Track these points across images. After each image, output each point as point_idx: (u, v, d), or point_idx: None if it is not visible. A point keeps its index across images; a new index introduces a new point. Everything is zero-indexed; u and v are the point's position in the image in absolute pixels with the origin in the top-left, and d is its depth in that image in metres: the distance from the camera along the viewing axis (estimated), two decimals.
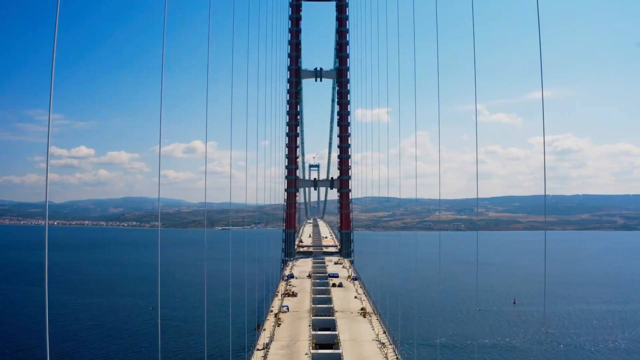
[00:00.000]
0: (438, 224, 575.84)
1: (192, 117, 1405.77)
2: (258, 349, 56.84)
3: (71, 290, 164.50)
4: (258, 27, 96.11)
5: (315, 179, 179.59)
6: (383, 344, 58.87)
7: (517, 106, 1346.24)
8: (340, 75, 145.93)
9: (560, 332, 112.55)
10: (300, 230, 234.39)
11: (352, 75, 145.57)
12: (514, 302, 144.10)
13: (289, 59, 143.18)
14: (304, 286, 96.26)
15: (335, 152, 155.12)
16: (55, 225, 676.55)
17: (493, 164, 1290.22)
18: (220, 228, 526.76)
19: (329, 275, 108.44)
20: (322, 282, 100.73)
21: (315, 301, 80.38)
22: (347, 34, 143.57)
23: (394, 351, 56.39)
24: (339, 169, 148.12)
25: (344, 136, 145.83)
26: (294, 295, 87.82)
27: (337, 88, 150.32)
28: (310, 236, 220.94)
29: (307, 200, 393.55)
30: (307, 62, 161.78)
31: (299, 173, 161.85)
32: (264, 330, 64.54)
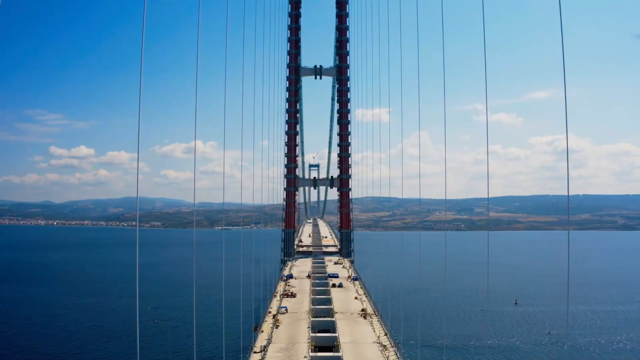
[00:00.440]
0: (438, 223, 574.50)
1: (192, 117, 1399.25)
2: (255, 352, 55.16)
3: (70, 291, 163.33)
4: (255, 24, 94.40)
5: (315, 177, 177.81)
6: (384, 346, 57.15)
7: (518, 106, 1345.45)
8: (340, 73, 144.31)
9: (560, 332, 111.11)
10: (300, 230, 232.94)
11: (352, 73, 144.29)
12: (516, 303, 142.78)
13: (288, 57, 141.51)
14: (303, 287, 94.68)
15: (335, 152, 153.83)
16: (55, 225, 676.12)
17: (493, 164, 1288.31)
18: (220, 228, 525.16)
19: (328, 275, 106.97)
20: (321, 282, 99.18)
21: (314, 302, 78.69)
22: (347, 31, 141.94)
23: (396, 354, 54.68)
24: (339, 167, 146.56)
25: (344, 134, 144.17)
26: (292, 295, 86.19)
27: (337, 86, 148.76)
28: (309, 236, 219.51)
29: (306, 200, 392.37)
30: (307, 60, 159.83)
31: (298, 172, 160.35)
32: (262, 332, 62.82)
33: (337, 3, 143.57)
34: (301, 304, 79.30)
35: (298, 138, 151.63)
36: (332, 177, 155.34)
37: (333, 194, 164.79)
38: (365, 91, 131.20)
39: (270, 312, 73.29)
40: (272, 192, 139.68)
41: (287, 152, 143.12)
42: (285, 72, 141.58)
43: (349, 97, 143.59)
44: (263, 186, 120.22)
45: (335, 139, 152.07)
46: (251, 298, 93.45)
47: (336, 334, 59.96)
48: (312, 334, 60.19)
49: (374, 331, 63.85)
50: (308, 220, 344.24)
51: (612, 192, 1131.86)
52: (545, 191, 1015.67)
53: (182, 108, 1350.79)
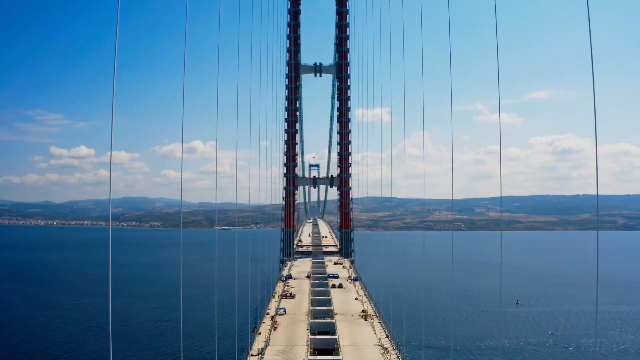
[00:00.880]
0: (438, 223, 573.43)
1: (192, 117, 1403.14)
2: (252, 355, 53.56)
3: (70, 291, 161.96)
4: (252, 21, 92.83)
5: (314, 176, 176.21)
6: (386, 349, 55.52)
7: (518, 106, 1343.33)
8: (340, 70, 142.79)
9: (564, 333, 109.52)
10: (300, 230, 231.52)
11: (352, 72, 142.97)
12: (517, 303, 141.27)
13: (287, 54, 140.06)
14: (302, 287, 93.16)
15: (335, 152, 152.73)
16: (55, 225, 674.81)
17: (493, 164, 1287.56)
18: (220, 228, 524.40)
19: (328, 275, 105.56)
20: (321, 282, 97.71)
21: (314, 303, 77.17)
22: (347, 28, 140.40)
23: (398, 357, 53.12)
24: (339, 166, 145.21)
25: (344, 133, 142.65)
26: (291, 296, 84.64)
27: (337, 84, 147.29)
28: (309, 235, 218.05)
29: (306, 200, 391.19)
30: (307, 58, 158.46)
31: (298, 172, 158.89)
32: (259, 334, 61.17)
33: (337, 0, 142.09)
34: (300, 305, 77.78)
35: (298, 137, 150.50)
36: (332, 175, 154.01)
37: (333, 194, 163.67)
38: (366, 90, 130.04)
39: (268, 314, 71.75)
40: (272, 192, 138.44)
41: (286, 150, 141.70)
42: (284, 69, 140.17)
43: (349, 94, 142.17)
44: (263, 186, 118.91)
45: (335, 138, 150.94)
46: (252, 299, 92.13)
47: (336, 337, 58.38)
48: (311, 337, 58.64)
49: (375, 333, 62.27)
50: (308, 220, 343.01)
51: (612, 192, 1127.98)
52: (545, 191, 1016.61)
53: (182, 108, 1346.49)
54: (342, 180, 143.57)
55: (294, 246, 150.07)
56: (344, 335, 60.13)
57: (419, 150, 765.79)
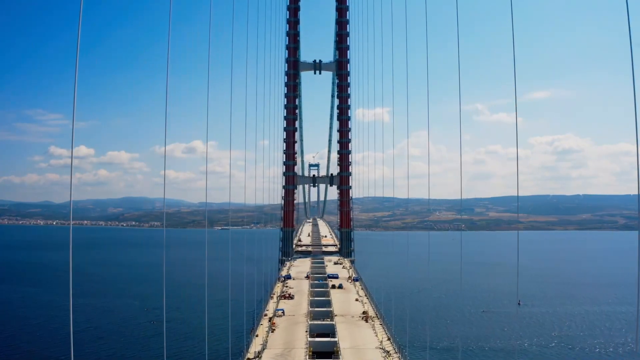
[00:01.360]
0: (438, 223, 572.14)
1: (192, 117, 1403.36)
2: (249, 358, 51.78)
3: (69, 291, 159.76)
4: (247, 16, 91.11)
5: (314, 175, 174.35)
6: (388, 352, 53.63)
7: (518, 106, 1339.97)
8: (340, 68, 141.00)
9: (565, 333, 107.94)
10: (299, 230, 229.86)
11: (352, 71, 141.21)
12: (519, 303, 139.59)
13: (287, 51, 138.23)
14: (301, 288, 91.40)
15: (335, 151, 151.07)
16: (55, 225, 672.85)
17: (493, 164, 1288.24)
18: (220, 228, 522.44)
19: (328, 276, 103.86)
20: (320, 283, 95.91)
21: (313, 304, 75.36)
22: (347, 25, 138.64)
23: None
24: (339, 165, 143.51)
25: (344, 131, 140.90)
26: (290, 297, 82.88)
27: (336, 81, 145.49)
28: (309, 235, 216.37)
29: (306, 200, 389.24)
30: (306, 56, 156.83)
31: (298, 172, 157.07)
32: (257, 336, 59.36)
33: None
34: (299, 306, 76.03)
35: (297, 135, 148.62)
36: (331, 174, 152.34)
37: (333, 194, 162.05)
38: (367, 89, 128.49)
39: (266, 315, 69.94)
40: (272, 192, 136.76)
41: (285, 149, 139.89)
42: (283, 67, 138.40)
43: (349, 92, 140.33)
44: (263, 186, 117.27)
45: (335, 137, 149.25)
46: (250, 299, 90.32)
47: (336, 339, 56.58)
48: (310, 339, 56.87)
49: (376, 335, 60.46)
50: (307, 220, 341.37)
51: (612, 192, 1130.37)
52: (545, 191, 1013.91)
53: (182, 108, 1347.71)
54: (342, 179, 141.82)
55: (294, 246, 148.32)
56: (344, 337, 58.34)
57: (419, 150, 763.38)
